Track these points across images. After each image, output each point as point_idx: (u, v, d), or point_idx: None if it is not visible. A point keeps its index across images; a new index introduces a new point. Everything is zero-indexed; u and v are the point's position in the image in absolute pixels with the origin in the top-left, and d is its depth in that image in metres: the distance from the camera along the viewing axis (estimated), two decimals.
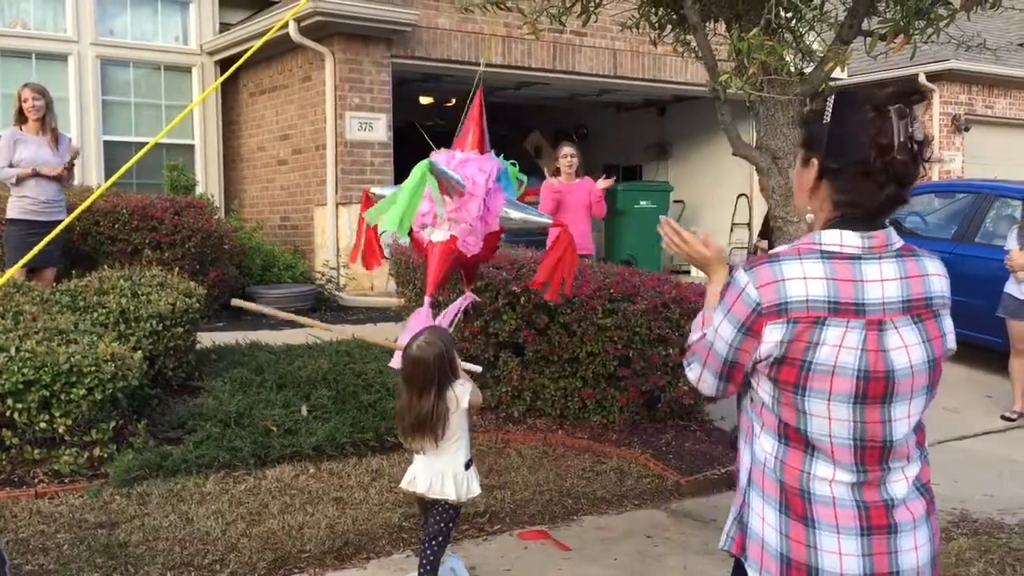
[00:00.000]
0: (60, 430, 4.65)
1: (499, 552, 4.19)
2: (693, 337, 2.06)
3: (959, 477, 5.47)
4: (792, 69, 3.24)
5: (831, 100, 1.85)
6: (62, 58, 10.88)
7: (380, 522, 4.37)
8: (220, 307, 8.65)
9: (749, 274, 1.83)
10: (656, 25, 3.74)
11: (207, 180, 11.68)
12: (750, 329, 1.82)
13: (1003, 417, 6.98)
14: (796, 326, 1.78)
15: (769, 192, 3.26)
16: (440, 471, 3.44)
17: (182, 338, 5.76)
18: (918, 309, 1.84)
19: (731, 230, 14.36)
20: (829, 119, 1.84)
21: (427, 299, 3.91)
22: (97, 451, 4.77)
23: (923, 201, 9.53)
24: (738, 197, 14.30)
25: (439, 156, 3.82)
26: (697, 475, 5.21)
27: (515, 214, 3.99)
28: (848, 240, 1.82)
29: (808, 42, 3.50)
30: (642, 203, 13.19)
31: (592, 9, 3.68)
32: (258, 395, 5.63)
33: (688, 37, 3.71)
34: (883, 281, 1.81)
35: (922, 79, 14.92)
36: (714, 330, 1.91)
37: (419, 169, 3.54)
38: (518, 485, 4.89)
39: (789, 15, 3.39)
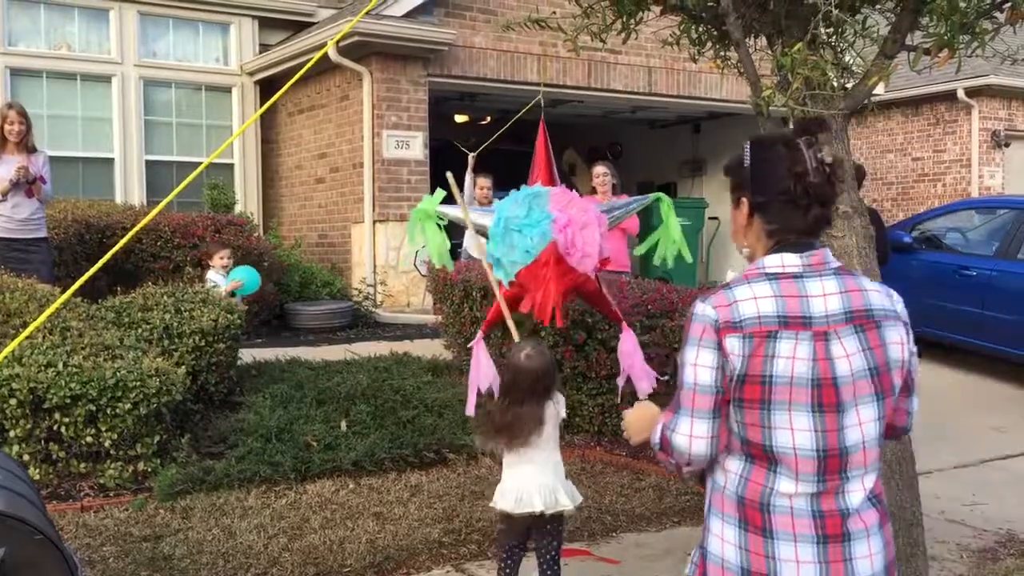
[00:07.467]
0: (106, 444, 4.72)
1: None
2: (656, 436, 2.06)
3: (1005, 497, 5.37)
4: (835, 84, 3.23)
5: (747, 146, 2.04)
6: (106, 79, 11.09)
7: (420, 537, 4.38)
8: (259, 323, 8.75)
9: (705, 301, 1.98)
10: (696, 41, 3.75)
11: (246, 198, 11.83)
12: (719, 344, 1.93)
13: None
14: (752, 341, 1.90)
15: None
16: (550, 486, 3.38)
17: (224, 354, 5.83)
18: (860, 320, 1.95)
19: None
20: (749, 162, 2.03)
21: (624, 325, 4.22)
22: (141, 465, 4.84)
23: (963, 218, 9.43)
24: None
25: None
26: None
27: (617, 212, 4.26)
28: (789, 261, 1.97)
29: (849, 59, 3.49)
30: (677, 219, 13.13)
31: (632, 27, 3.70)
32: (298, 411, 5.68)
33: (728, 53, 3.72)
34: (825, 296, 1.94)
35: (960, 95, 14.78)
36: (692, 365, 1.96)
37: None
38: None
39: (830, 31, 3.39)
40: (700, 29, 3.73)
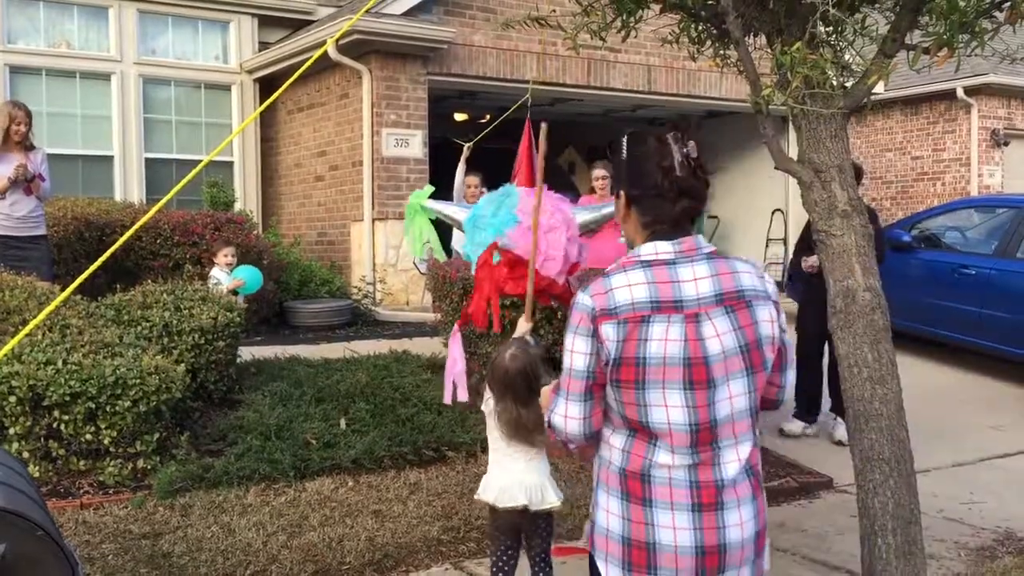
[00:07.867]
0: (105, 442, 4.73)
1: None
2: (546, 417, 2.22)
3: (1003, 495, 5.38)
4: (834, 83, 3.23)
5: (624, 140, 2.14)
6: (105, 77, 11.09)
7: (419, 535, 4.38)
8: (258, 321, 8.75)
9: (585, 291, 2.09)
10: (696, 40, 3.75)
11: (246, 196, 11.83)
12: (595, 332, 2.04)
13: None
14: (627, 326, 2.01)
15: (811, 206, 3.25)
16: (538, 483, 3.35)
17: (223, 352, 5.83)
18: (731, 301, 2.05)
19: (766, 245, 14.27)
20: (625, 156, 2.14)
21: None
22: (141, 462, 4.85)
23: (963, 216, 9.43)
24: (773, 212, 14.21)
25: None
26: None
27: (587, 216, 4.15)
28: (661, 248, 2.08)
29: (848, 58, 3.49)
30: None
31: (632, 25, 3.69)
32: (297, 408, 5.69)
33: (728, 51, 3.72)
34: (696, 280, 2.05)
35: (960, 93, 14.79)
36: (569, 352, 2.09)
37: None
38: None
39: (829, 29, 3.39)
40: (700, 27, 3.73)
